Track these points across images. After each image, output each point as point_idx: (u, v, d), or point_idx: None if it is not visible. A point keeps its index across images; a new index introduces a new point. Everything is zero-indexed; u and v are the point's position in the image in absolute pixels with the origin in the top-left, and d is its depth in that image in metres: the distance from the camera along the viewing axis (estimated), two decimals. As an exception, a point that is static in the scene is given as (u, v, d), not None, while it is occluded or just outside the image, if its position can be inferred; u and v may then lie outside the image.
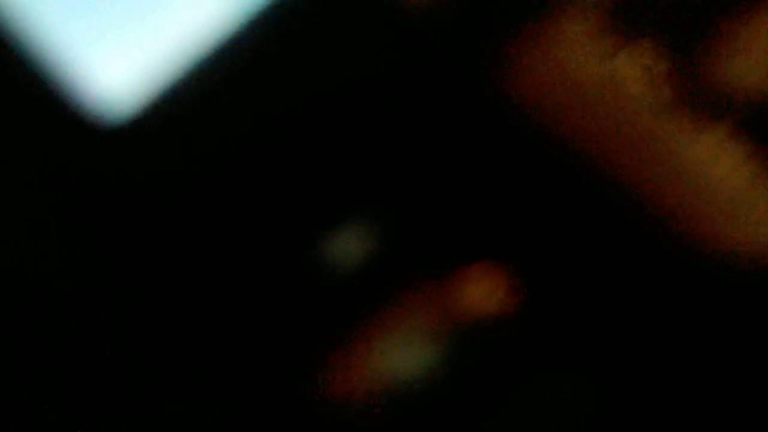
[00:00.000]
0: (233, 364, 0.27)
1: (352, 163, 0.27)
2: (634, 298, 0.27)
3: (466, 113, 0.27)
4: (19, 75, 0.26)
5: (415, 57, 0.27)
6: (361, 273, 0.27)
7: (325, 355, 0.28)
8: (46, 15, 0.26)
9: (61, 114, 0.26)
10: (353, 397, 0.27)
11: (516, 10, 0.27)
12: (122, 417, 0.26)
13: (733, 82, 0.26)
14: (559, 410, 0.27)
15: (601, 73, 0.27)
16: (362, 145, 0.27)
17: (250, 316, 0.27)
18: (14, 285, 0.26)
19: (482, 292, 0.26)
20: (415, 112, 0.27)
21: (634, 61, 0.26)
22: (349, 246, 0.27)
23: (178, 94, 0.27)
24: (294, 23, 0.27)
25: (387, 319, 0.27)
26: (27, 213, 0.26)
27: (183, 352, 0.27)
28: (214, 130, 0.26)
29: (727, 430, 0.28)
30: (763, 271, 0.27)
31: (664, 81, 0.26)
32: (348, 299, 0.27)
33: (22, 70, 0.26)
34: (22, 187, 0.26)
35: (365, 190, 0.27)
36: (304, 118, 0.27)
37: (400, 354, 0.27)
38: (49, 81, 0.27)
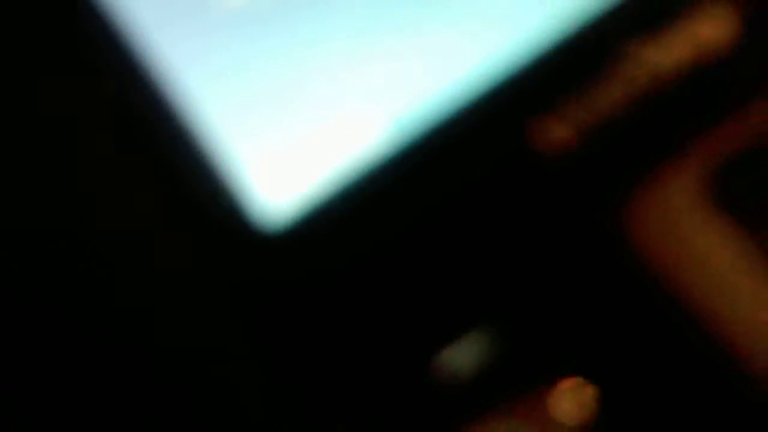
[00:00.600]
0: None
1: (474, 278, 0.29)
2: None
3: (583, 248, 0.29)
4: (183, 179, 0.28)
5: (541, 191, 0.29)
6: (467, 384, 0.29)
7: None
8: (211, 118, 0.28)
9: (222, 220, 0.28)
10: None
11: (637, 162, 0.30)
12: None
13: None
14: None
15: (701, 236, 0.29)
16: (485, 266, 0.29)
17: (366, 416, 0.29)
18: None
19: (573, 406, 0.29)
20: (536, 242, 0.29)
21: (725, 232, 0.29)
22: (459, 357, 0.29)
23: (335, 205, 0.28)
24: (440, 147, 0.29)
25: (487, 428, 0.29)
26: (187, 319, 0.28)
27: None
28: (360, 244, 0.28)
29: None
30: None
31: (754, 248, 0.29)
32: (452, 408, 0.29)
33: (186, 174, 0.28)
34: (182, 295, 0.28)
35: (479, 307, 0.30)
36: (439, 237, 0.29)
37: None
38: (211, 186, 0.28)
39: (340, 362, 0.29)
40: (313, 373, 0.29)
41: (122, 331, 0.29)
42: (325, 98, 0.29)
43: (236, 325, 0.28)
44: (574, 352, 0.30)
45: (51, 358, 0.29)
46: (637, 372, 0.30)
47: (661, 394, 0.30)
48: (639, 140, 0.29)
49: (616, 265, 0.30)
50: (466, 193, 0.29)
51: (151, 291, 0.29)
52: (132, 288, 0.29)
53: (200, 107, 0.28)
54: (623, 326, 0.30)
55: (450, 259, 0.29)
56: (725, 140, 0.29)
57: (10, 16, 0.28)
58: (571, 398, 0.30)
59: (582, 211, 0.30)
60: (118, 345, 0.29)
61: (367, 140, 0.29)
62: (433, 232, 0.29)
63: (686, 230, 0.29)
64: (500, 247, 0.29)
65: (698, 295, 0.29)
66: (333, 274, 0.29)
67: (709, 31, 0.29)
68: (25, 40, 0.28)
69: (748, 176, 0.29)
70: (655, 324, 0.30)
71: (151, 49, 0.28)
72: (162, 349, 0.29)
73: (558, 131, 0.29)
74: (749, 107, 0.29)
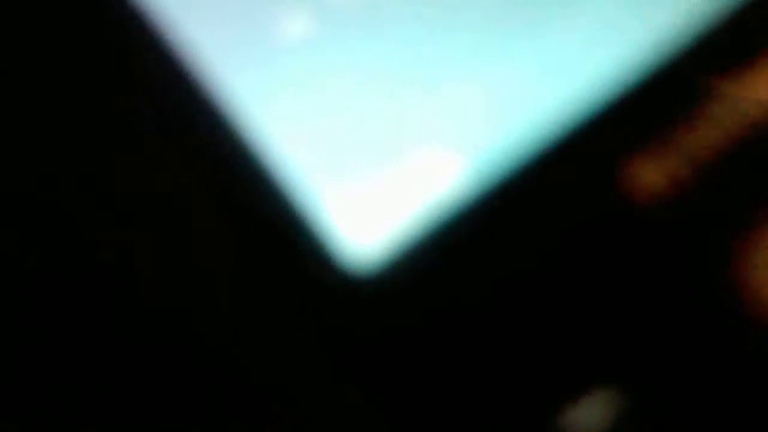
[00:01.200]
0: None
1: (594, 336, 0.27)
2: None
3: (692, 302, 0.28)
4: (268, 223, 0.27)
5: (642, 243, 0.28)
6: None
7: None
8: (297, 161, 0.27)
9: (309, 265, 0.27)
10: None
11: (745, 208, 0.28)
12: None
13: None
14: None
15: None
16: (601, 318, 0.27)
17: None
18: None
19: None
20: (652, 297, 0.28)
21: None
22: (585, 417, 0.27)
23: (425, 250, 0.27)
24: (531, 191, 0.27)
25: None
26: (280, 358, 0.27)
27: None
28: (453, 290, 0.26)
29: None
30: None
31: None
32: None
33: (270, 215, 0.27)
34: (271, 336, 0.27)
35: (604, 365, 0.28)
36: (542, 285, 0.27)
37: None
38: (296, 230, 0.27)
39: (449, 418, 0.27)
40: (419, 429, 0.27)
41: (210, 375, 0.27)
42: (405, 136, 0.27)
43: (326, 369, 0.27)
44: (704, 413, 0.28)
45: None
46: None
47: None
48: (741, 189, 0.28)
49: (728, 324, 0.28)
50: (553, 238, 0.28)
51: (240, 334, 0.27)
52: (220, 332, 0.27)
53: (279, 148, 0.27)
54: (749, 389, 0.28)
55: (551, 308, 0.27)
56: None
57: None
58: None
59: (682, 266, 0.28)
60: (206, 387, 0.27)
61: (453, 180, 0.27)
62: (528, 279, 0.27)
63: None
64: (602, 297, 0.28)
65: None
66: (433, 321, 0.27)
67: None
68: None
69: None
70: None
71: (225, 92, 0.27)
72: (252, 391, 0.27)
73: (649, 176, 0.28)
74: None
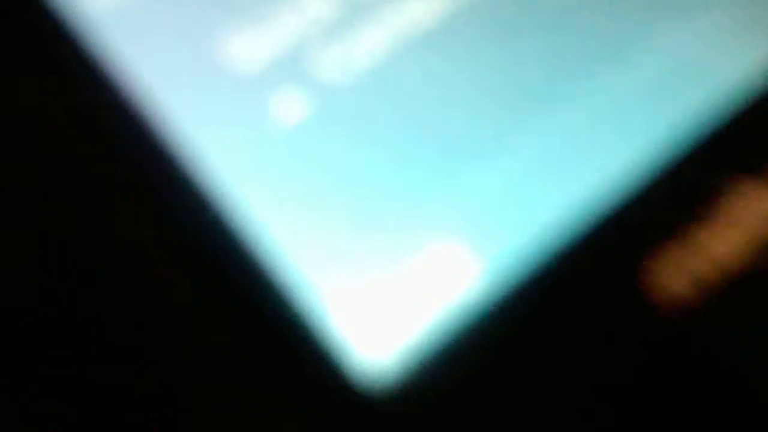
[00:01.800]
0: None
1: None
2: None
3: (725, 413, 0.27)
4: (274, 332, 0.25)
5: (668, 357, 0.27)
6: None
7: None
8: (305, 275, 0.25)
9: (318, 380, 0.25)
10: None
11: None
12: None
13: None
14: None
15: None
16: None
17: None
18: None
19: None
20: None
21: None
22: None
23: (440, 368, 0.25)
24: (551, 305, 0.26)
25: None
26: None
27: None
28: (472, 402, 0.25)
29: None
30: None
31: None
32: None
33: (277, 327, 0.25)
34: None
35: None
36: (564, 391, 0.26)
37: None
38: (305, 346, 0.25)
39: None
40: None
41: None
42: (412, 236, 0.26)
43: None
44: None
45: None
46: None
47: None
48: (764, 291, 0.27)
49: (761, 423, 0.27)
50: (574, 344, 0.26)
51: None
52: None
53: (280, 249, 0.25)
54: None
55: (573, 414, 0.26)
56: None
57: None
58: None
59: (705, 369, 0.27)
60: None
61: (464, 286, 0.26)
62: (547, 386, 0.26)
63: None
64: (623, 402, 0.26)
65: None
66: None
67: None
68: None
69: None
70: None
71: (221, 188, 0.26)
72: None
73: (670, 276, 0.27)
74: None
